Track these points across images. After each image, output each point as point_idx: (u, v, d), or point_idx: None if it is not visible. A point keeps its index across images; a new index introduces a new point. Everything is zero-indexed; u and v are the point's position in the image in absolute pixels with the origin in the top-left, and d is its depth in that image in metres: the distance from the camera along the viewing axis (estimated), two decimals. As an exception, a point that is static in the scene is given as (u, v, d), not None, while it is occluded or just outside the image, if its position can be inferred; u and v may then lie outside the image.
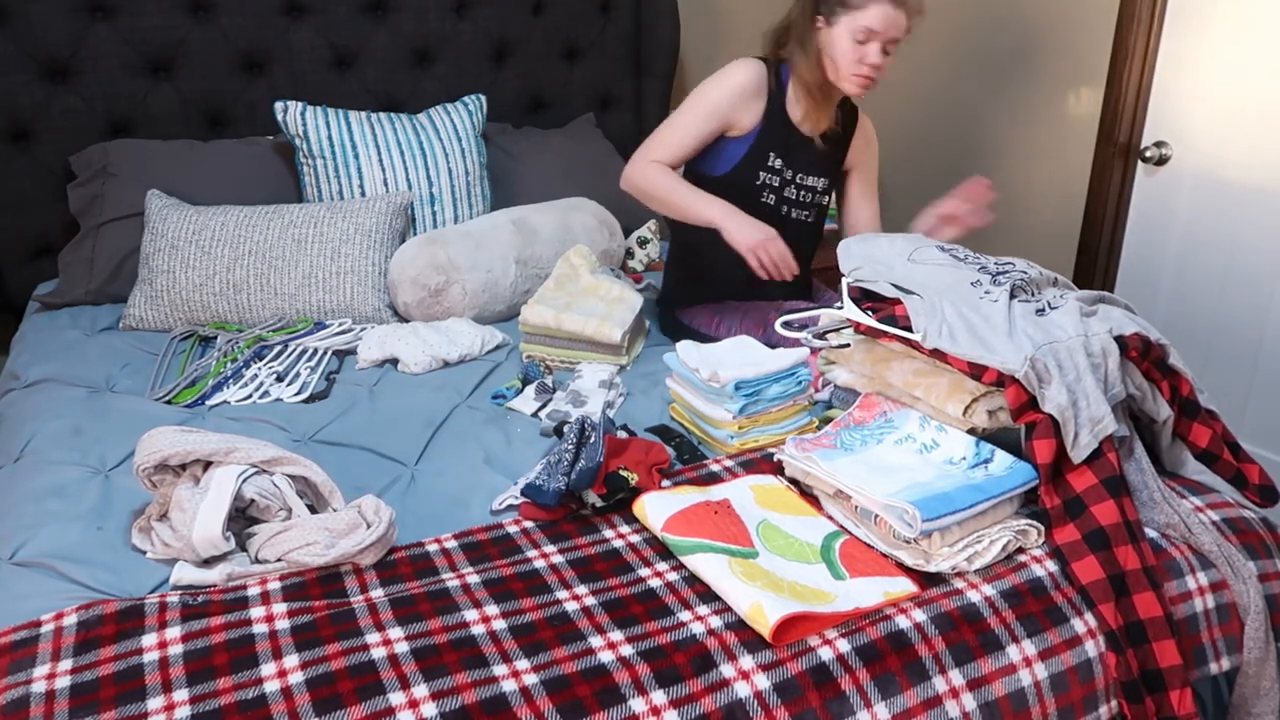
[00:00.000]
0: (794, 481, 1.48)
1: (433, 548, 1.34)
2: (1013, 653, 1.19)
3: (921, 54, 3.14)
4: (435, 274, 2.14)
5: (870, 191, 2.21)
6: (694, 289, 2.13)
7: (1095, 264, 2.66)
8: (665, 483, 1.48)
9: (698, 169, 2.07)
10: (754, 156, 2.02)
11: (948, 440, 1.41)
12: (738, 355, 1.67)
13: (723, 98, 1.96)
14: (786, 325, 1.69)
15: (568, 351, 1.97)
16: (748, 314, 2.06)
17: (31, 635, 1.15)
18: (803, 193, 2.08)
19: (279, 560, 1.28)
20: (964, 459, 1.38)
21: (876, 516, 1.31)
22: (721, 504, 1.39)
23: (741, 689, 1.09)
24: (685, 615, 1.19)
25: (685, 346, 1.70)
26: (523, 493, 1.43)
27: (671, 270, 2.22)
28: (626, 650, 1.13)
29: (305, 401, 1.82)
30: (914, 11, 1.88)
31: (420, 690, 1.06)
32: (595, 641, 1.14)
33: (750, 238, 1.84)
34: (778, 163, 2.03)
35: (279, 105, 2.37)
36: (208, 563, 1.29)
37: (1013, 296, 1.49)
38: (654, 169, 1.96)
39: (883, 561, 1.29)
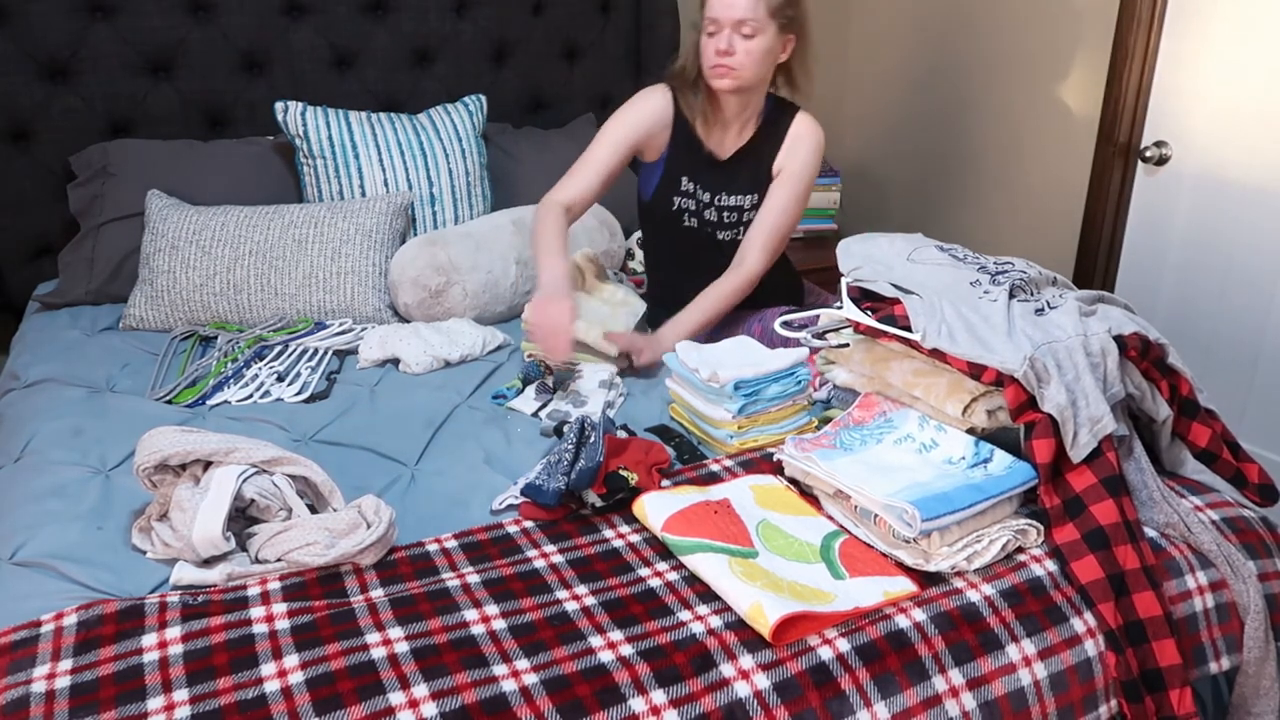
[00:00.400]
0: (794, 481, 1.48)
1: (433, 548, 1.34)
2: (1012, 652, 1.19)
3: (921, 54, 3.15)
4: (436, 275, 2.14)
5: (779, 203, 2.00)
6: (674, 306, 2.07)
7: (1095, 264, 2.66)
8: (665, 483, 1.48)
9: (638, 192, 2.11)
10: (667, 182, 2.02)
11: (947, 440, 1.41)
12: (737, 355, 1.67)
13: (624, 128, 1.98)
14: (786, 325, 1.69)
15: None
16: (735, 325, 2.05)
17: (31, 635, 1.15)
18: (727, 213, 2.03)
19: (279, 560, 1.28)
20: (963, 459, 1.38)
21: (876, 516, 1.31)
22: (721, 504, 1.39)
23: (741, 688, 1.09)
24: (685, 615, 1.19)
25: (685, 347, 1.70)
26: (523, 493, 1.43)
27: (651, 289, 2.22)
28: (626, 650, 1.13)
29: (306, 401, 1.82)
30: None
31: (420, 690, 1.06)
32: (595, 641, 1.14)
33: (534, 310, 1.79)
34: (691, 186, 2.02)
35: (279, 105, 2.37)
36: (208, 563, 1.29)
37: (1012, 296, 1.49)
38: (545, 213, 1.93)
39: (882, 561, 1.29)
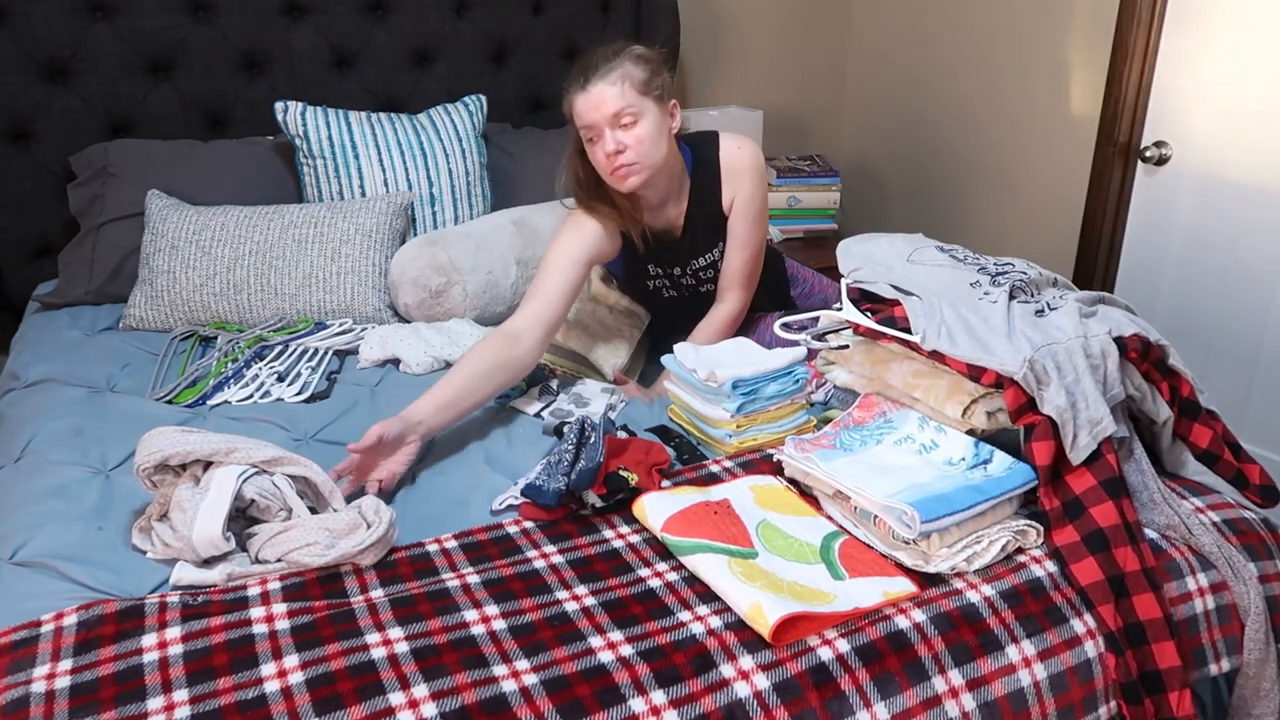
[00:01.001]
0: (793, 482, 1.48)
1: (433, 548, 1.34)
2: (1012, 653, 1.19)
3: (921, 54, 3.15)
4: (436, 275, 2.14)
5: (740, 238, 1.94)
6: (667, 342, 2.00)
7: (1095, 264, 2.66)
8: (665, 483, 1.48)
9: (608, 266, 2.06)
10: (633, 272, 2.01)
11: (947, 441, 1.41)
12: (735, 355, 1.68)
13: (569, 253, 1.83)
14: (786, 326, 1.69)
15: (569, 363, 1.97)
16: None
17: (31, 635, 1.15)
18: (702, 272, 1.99)
19: (279, 560, 1.28)
20: (963, 460, 1.38)
21: (876, 517, 1.31)
22: (721, 504, 1.39)
23: (741, 689, 1.09)
24: (685, 615, 1.19)
25: (683, 347, 1.70)
26: (523, 493, 1.43)
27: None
28: (626, 650, 1.13)
29: (306, 401, 1.82)
30: (626, 76, 1.71)
31: (420, 690, 1.06)
32: (595, 641, 1.14)
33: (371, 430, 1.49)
34: (658, 270, 1.99)
35: (279, 105, 2.37)
36: (208, 563, 1.29)
37: (1012, 297, 1.49)
38: (482, 342, 1.72)
39: (882, 562, 1.29)
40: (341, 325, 2.13)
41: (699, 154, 1.92)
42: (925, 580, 1.27)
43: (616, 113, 1.71)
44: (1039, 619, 1.23)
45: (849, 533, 1.36)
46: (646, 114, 1.74)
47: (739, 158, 1.91)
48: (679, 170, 1.90)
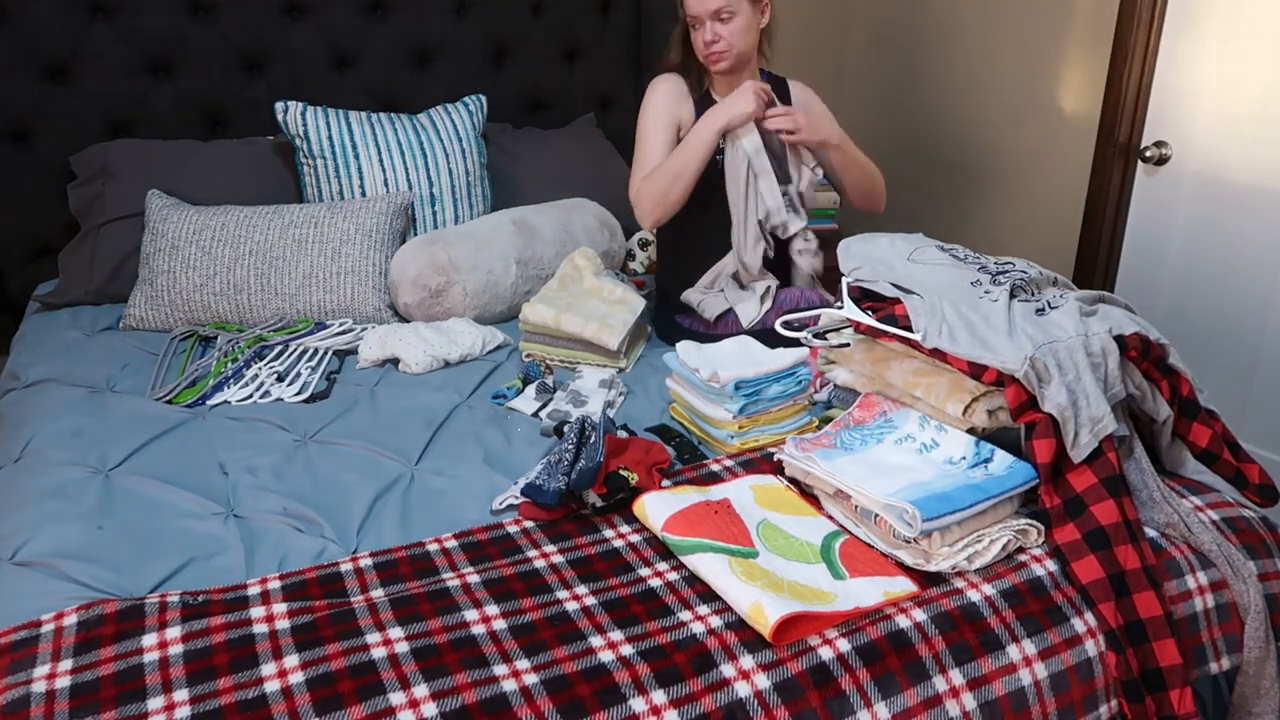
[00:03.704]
0: (794, 481, 1.48)
1: (433, 548, 1.34)
2: (1013, 652, 1.19)
3: (920, 54, 3.15)
4: (436, 274, 2.14)
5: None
6: (688, 288, 2.12)
7: (1095, 264, 2.66)
8: (665, 482, 1.48)
9: None
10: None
11: (947, 440, 1.41)
12: (737, 355, 1.67)
13: (664, 104, 2.12)
14: (786, 325, 1.69)
15: (567, 351, 1.97)
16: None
17: (32, 635, 1.15)
18: None
19: None
20: (964, 458, 1.38)
21: (876, 516, 1.31)
22: (721, 504, 1.39)
23: (741, 688, 1.09)
24: (685, 615, 1.19)
25: (685, 346, 1.70)
26: (523, 493, 1.43)
27: (664, 273, 2.22)
28: (626, 650, 1.13)
29: (306, 401, 1.82)
30: None
31: (420, 690, 1.06)
32: (595, 641, 1.14)
33: (748, 100, 1.99)
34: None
35: (279, 105, 2.37)
36: None
37: (1012, 296, 1.49)
38: (647, 179, 2.06)
39: (883, 561, 1.29)
40: (341, 325, 2.13)
41: (772, 83, 2.19)
42: (926, 579, 1.26)
43: (718, 9, 2.01)
44: (1039, 618, 1.23)
45: (850, 532, 1.36)
46: (741, 12, 2.04)
47: (805, 92, 2.25)
48: (754, 71, 2.18)
